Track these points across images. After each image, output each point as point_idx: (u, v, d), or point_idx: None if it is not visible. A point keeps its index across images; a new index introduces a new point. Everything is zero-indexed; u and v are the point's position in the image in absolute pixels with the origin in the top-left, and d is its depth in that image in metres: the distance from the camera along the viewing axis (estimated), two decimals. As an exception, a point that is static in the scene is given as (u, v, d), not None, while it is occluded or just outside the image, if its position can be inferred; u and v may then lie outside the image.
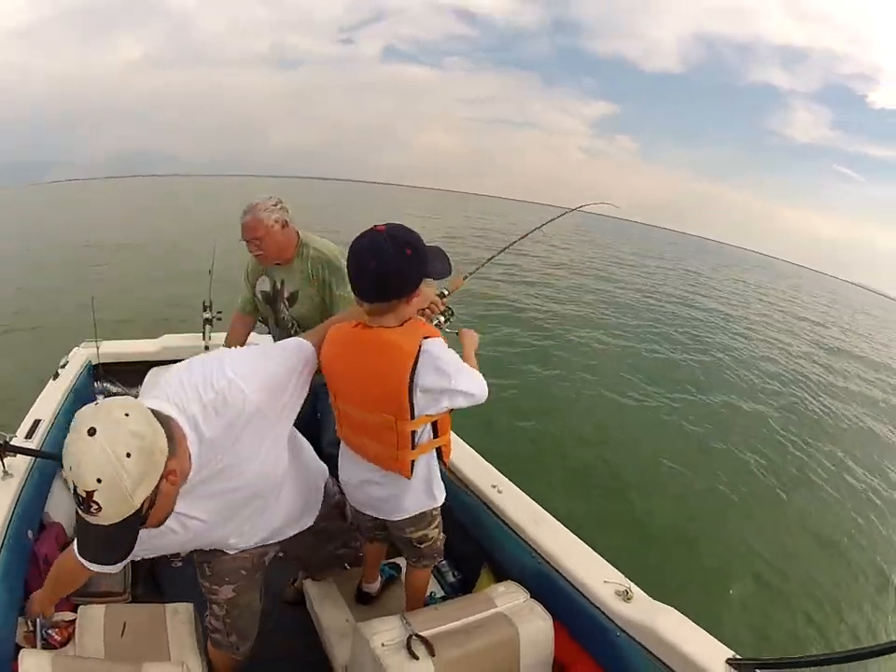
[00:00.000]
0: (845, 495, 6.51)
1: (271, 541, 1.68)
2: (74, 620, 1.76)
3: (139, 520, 1.07)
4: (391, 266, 1.34)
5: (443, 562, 2.38)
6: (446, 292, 1.89)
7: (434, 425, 1.55)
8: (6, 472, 1.95)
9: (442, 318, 1.83)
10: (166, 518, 1.24)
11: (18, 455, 2.01)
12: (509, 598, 1.76)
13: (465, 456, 2.37)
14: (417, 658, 1.47)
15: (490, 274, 13.47)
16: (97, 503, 0.99)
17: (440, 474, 1.68)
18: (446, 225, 29.80)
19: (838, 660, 1.34)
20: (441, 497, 1.71)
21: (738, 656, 1.51)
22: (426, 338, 1.43)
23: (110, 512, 1.01)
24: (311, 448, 1.80)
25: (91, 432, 1.00)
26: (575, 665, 1.80)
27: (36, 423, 2.32)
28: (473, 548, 2.25)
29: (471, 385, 1.49)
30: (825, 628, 4.17)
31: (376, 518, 1.76)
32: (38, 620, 1.69)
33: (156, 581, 2.29)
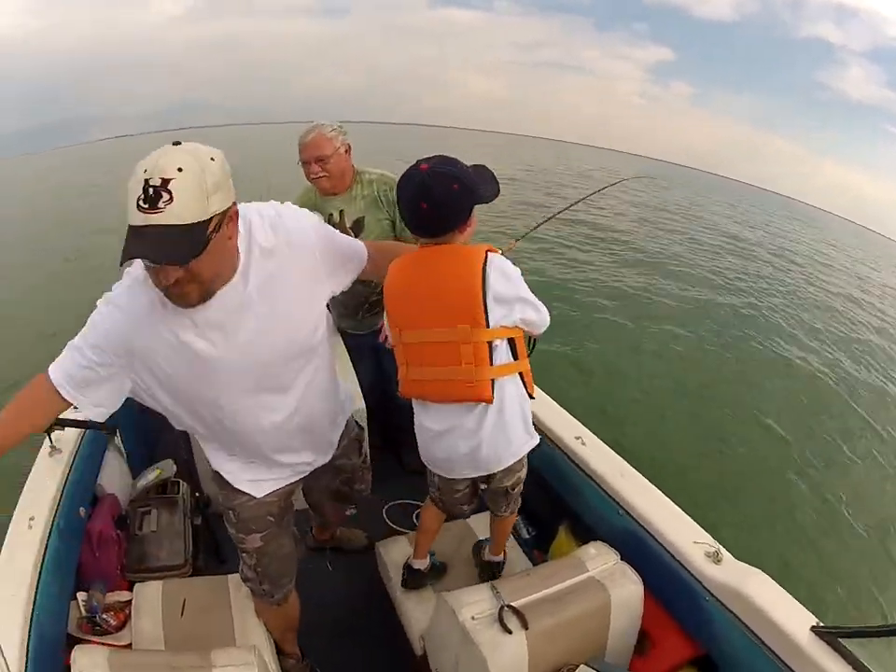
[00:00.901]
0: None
1: (302, 464, 1.57)
2: (129, 601, 1.70)
3: (204, 239, 1.00)
4: (442, 204, 1.36)
5: (517, 517, 2.33)
6: (501, 251, 1.84)
7: (513, 347, 1.48)
8: (53, 447, 1.85)
9: None
10: (209, 291, 1.14)
11: (66, 429, 1.90)
12: (600, 561, 1.69)
13: (544, 405, 2.26)
14: (511, 632, 1.41)
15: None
16: (169, 193, 0.93)
17: (530, 410, 1.60)
18: (498, 170, 28.73)
19: None
20: (536, 434, 1.64)
21: (822, 624, 1.45)
22: (489, 251, 1.43)
23: (181, 205, 0.94)
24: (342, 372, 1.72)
25: (176, 143, 1.00)
26: (659, 629, 1.76)
27: None
28: (551, 503, 2.18)
29: (536, 299, 1.50)
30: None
31: (472, 482, 1.70)
32: (93, 603, 1.62)
33: (218, 550, 2.20)
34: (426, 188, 1.34)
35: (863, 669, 1.33)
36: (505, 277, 1.42)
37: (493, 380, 1.43)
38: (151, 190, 0.93)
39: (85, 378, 1.22)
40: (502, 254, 1.82)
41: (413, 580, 1.91)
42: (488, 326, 1.38)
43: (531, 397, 1.57)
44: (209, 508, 2.20)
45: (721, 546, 1.71)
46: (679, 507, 1.85)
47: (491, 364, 1.42)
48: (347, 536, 2.32)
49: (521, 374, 1.53)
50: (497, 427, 1.51)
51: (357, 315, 2.44)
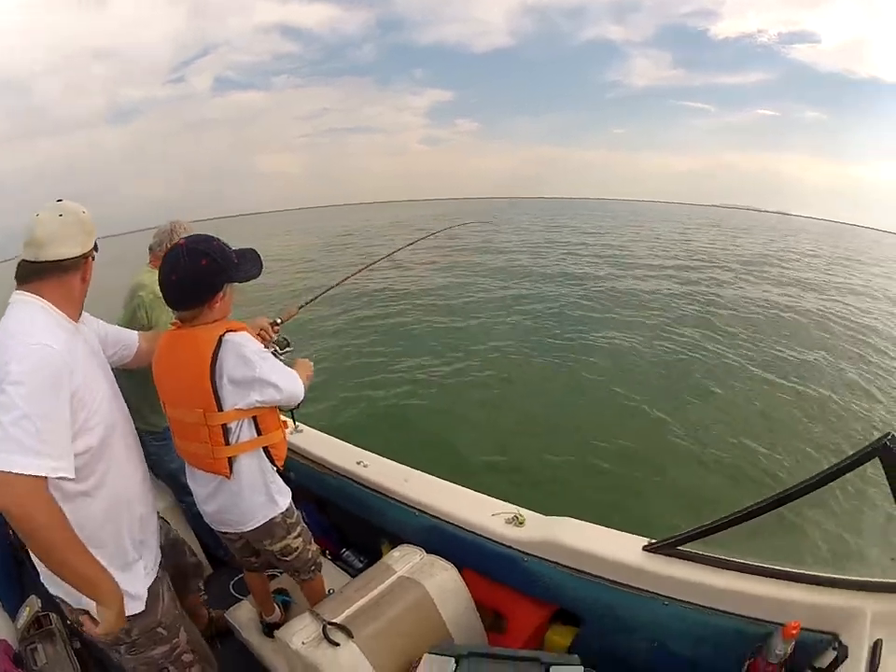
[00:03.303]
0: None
1: (152, 543, 1.63)
2: None
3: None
4: (188, 276, 1.47)
5: (346, 552, 2.49)
6: (279, 321, 1.98)
7: (256, 423, 1.58)
8: None
9: (278, 347, 1.89)
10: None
11: None
12: (406, 560, 1.83)
13: (325, 444, 2.44)
14: (338, 644, 1.52)
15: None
16: None
17: (278, 479, 1.71)
18: (292, 247, 29.07)
19: (745, 517, 1.42)
20: (283, 502, 1.73)
21: (653, 540, 1.60)
22: (230, 330, 1.50)
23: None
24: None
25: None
26: (505, 604, 1.89)
27: None
28: (366, 528, 2.31)
29: (280, 377, 1.55)
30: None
31: (238, 537, 1.78)
32: None
33: (101, 661, 2.19)
34: (176, 260, 1.46)
35: (709, 560, 1.51)
36: (241, 360, 1.47)
37: (231, 457, 1.57)
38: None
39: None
40: (281, 322, 1.96)
41: (272, 631, 2.00)
42: (221, 409, 1.49)
43: (278, 469, 1.68)
44: (83, 632, 2.29)
45: (520, 509, 1.87)
46: (476, 488, 2.04)
47: (228, 443, 1.54)
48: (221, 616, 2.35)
49: (267, 447, 1.63)
50: (235, 496, 1.64)
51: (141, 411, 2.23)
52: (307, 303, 2.25)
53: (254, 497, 1.66)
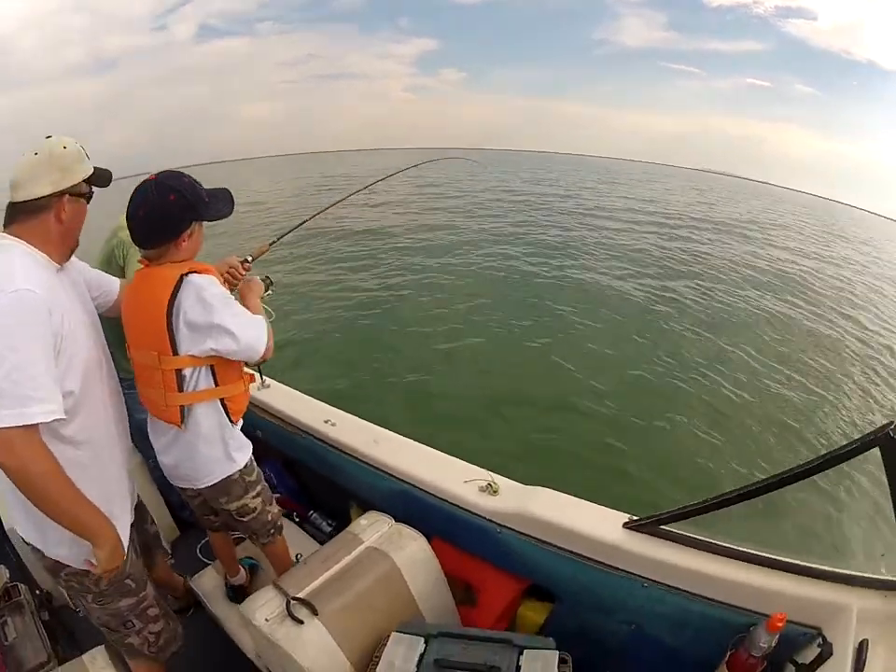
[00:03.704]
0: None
1: (129, 494, 1.61)
2: None
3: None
4: (155, 211, 1.40)
5: (314, 514, 2.40)
6: (250, 258, 1.88)
7: (214, 374, 1.49)
8: None
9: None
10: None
11: None
12: (374, 529, 1.74)
13: (293, 400, 2.34)
14: (302, 622, 1.44)
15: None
16: None
17: (237, 435, 1.63)
18: (261, 191, 28.58)
19: (734, 500, 1.34)
20: (241, 458, 1.65)
21: (635, 517, 1.52)
22: (193, 271, 1.42)
23: None
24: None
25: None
26: (478, 577, 1.81)
27: None
28: (334, 490, 2.22)
29: (239, 326, 1.44)
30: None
31: (197, 493, 1.71)
32: None
33: (71, 633, 2.20)
34: (145, 195, 1.39)
35: (693, 542, 1.44)
36: (201, 303, 1.38)
37: (183, 406, 1.47)
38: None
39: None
40: (252, 260, 1.87)
41: (238, 595, 1.95)
42: (176, 353, 1.40)
43: (232, 422, 1.58)
44: (52, 602, 2.20)
45: (494, 476, 1.77)
46: (449, 452, 1.94)
47: (181, 390, 1.45)
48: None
49: (224, 400, 1.54)
50: (189, 448, 1.56)
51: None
52: (278, 239, 2.10)
53: (210, 451, 1.58)
